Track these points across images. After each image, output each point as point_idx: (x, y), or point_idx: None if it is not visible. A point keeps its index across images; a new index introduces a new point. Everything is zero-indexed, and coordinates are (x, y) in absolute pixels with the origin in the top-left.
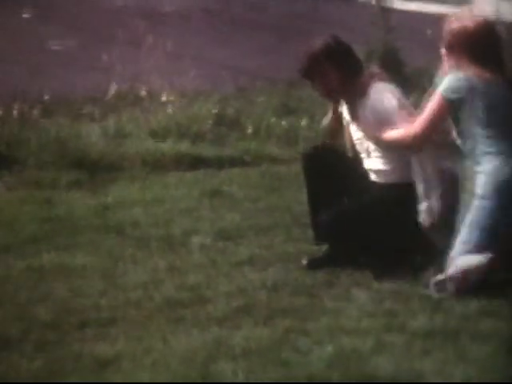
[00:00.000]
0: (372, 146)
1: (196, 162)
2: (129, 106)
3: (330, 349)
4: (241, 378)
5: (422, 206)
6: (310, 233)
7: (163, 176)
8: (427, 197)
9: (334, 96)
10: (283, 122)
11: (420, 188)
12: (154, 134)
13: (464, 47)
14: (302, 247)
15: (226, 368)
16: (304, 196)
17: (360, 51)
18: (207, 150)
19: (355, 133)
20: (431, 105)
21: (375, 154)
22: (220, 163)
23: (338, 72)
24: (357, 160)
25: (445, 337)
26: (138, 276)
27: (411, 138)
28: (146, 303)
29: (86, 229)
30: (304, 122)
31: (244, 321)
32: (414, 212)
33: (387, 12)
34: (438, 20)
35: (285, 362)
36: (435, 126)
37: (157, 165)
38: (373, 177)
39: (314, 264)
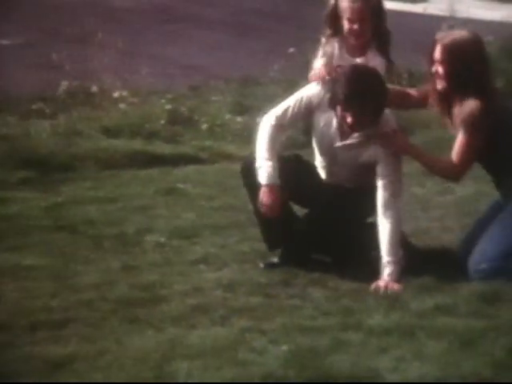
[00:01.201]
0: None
1: (150, 160)
2: (80, 103)
3: (285, 348)
4: (196, 378)
5: None
6: None
7: (116, 174)
8: None
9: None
10: (238, 120)
11: None
12: (107, 132)
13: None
14: (258, 246)
15: (180, 368)
16: None
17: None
18: (161, 148)
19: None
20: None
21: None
22: (175, 161)
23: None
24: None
25: (401, 334)
26: (90, 276)
27: (455, 174)
28: (99, 304)
29: (38, 228)
30: (259, 120)
31: (199, 320)
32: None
33: None
34: (393, 17)
35: (240, 362)
36: (473, 159)
37: (109, 163)
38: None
39: (271, 267)
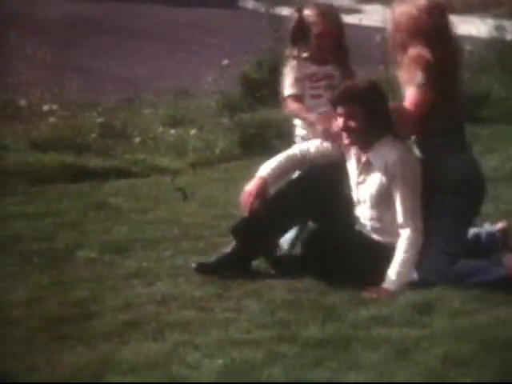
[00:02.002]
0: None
1: (81, 174)
2: (8, 117)
3: (220, 361)
4: None
5: None
6: (200, 245)
7: (46, 189)
8: None
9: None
10: (171, 132)
11: None
12: (36, 146)
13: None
14: (191, 260)
15: None
16: (192, 207)
17: (248, 61)
18: (93, 162)
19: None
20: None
21: (370, 209)
22: (106, 175)
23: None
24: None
25: (336, 345)
26: (19, 293)
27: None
28: (28, 321)
29: None
30: (193, 132)
31: (132, 336)
32: None
33: (277, 20)
34: None
35: (174, 377)
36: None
37: (39, 177)
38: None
39: (203, 269)
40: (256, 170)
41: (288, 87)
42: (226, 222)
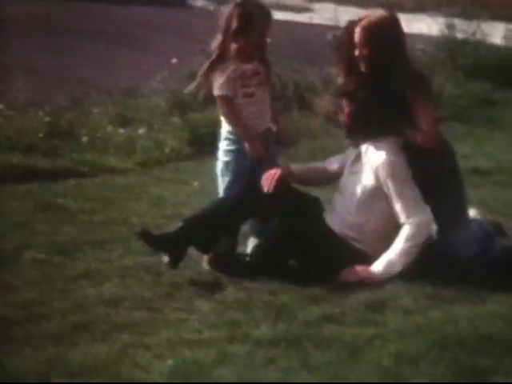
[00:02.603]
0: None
1: (28, 174)
2: None
3: (170, 362)
4: None
5: None
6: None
7: None
8: None
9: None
10: (120, 132)
11: None
12: None
13: None
14: (141, 260)
15: None
16: (142, 207)
17: (197, 60)
18: (40, 162)
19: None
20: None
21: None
22: (54, 175)
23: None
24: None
25: (288, 344)
26: None
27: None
28: None
29: None
30: (142, 132)
31: (81, 337)
32: None
33: None
34: (280, 27)
35: (124, 378)
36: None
37: None
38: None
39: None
40: (206, 169)
41: (221, 87)
42: (176, 221)
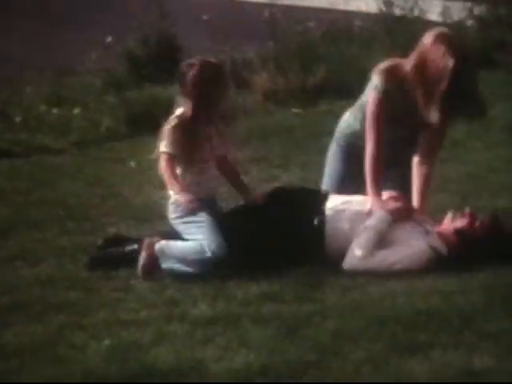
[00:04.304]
0: None
1: None
2: None
3: (107, 342)
4: (13, 378)
5: None
6: (86, 226)
7: None
8: None
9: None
10: (54, 111)
11: None
12: None
13: None
14: (77, 240)
15: None
16: (78, 187)
17: (133, 37)
18: None
19: None
20: None
21: None
22: None
23: None
24: None
25: (226, 323)
26: None
27: None
28: None
29: None
30: (77, 111)
31: (16, 318)
32: None
33: None
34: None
35: (60, 359)
36: None
37: None
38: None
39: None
40: (143, 148)
41: (168, 143)
42: (112, 201)
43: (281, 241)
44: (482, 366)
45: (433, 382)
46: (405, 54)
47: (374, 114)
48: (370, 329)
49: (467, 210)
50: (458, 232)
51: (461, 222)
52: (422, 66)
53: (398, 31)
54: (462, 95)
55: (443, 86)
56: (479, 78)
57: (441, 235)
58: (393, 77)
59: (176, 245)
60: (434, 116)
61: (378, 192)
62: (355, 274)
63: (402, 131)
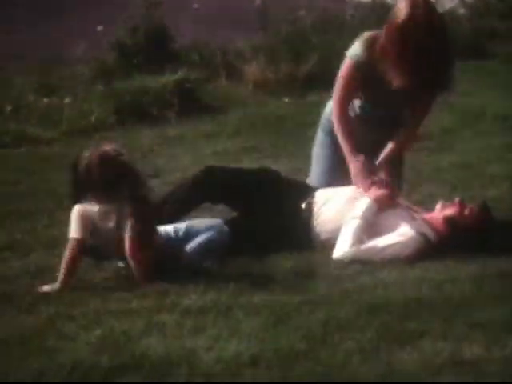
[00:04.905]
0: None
1: None
2: None
3: (98, 332)
4: (1, 367)
5: None
6: None
7: None
8: None
9: None
10: (44, 101)
11: None
12: None
13: None
14: (67, 231)
15: None
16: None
17: (122, 28)
18: None
19: None
20: None
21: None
22: None
23: None
24: None
25: (217, 313)
26: None
27: None
28: None
29: None
30: (67, 101)
31: (5, 309)
32: None
33: None
34: None
35: (49, 349)
36: None
37: None
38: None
39: None
40: (132, 138)
41: (75, 229)
42: None
43: (269, 227)
44: (471, 355)
45: (422, 371)
46: None
47: (341, 76)
48: (360, 318)
49: (457, 199)
50: (447, 220)
51: (450, 210)
52: (389, 29)
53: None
54: (428, 63)
55: (404, 43)
56: (454, 57)
57: (430, 223)
58: (372, 46)
59: None
60: (397, 79)
61: (353, 152)
62: (345, 263)
63: (380, 107)
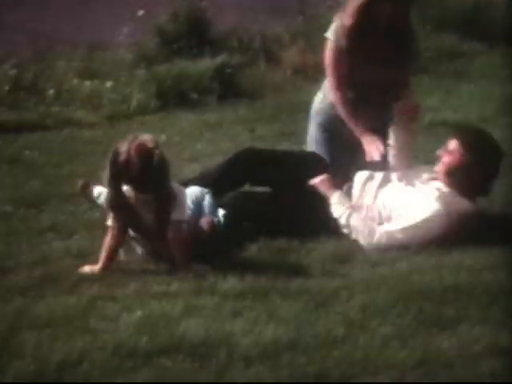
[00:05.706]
0: None
1: None
2: None
3: (138, 314)
4: (44, 348)
5: None
6: None
7: None
8: None
9: None
10: (86, 84)
11: None
12: None
13: None
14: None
15: (28, 338)
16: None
17: (163, 14)
18: (5, 115)
19: None
20: None
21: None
22: (19, 128)
23: None
24: None
25: (255, 297)
26: None
27: None
28: None
29: None
30: (108, 85)
31: (48, 290)
32: None
33: None
34: None
35: (92, 330)
36: None
37: None
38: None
39: None
40: (173, 122)
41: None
42: None
43: (307, 211)
44: (508, 342)
45: (460, 357)
46: (434, 30)
47: (328, 64)
48: (397, 304)
49: None
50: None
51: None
52: None
53: (427, 5)
54: (393, 31)
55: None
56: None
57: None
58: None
59: None
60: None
61: (363, 130)
62: (383, 249)
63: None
